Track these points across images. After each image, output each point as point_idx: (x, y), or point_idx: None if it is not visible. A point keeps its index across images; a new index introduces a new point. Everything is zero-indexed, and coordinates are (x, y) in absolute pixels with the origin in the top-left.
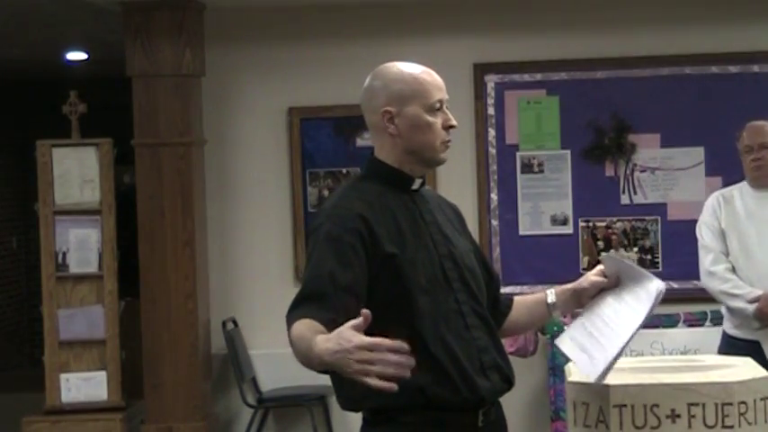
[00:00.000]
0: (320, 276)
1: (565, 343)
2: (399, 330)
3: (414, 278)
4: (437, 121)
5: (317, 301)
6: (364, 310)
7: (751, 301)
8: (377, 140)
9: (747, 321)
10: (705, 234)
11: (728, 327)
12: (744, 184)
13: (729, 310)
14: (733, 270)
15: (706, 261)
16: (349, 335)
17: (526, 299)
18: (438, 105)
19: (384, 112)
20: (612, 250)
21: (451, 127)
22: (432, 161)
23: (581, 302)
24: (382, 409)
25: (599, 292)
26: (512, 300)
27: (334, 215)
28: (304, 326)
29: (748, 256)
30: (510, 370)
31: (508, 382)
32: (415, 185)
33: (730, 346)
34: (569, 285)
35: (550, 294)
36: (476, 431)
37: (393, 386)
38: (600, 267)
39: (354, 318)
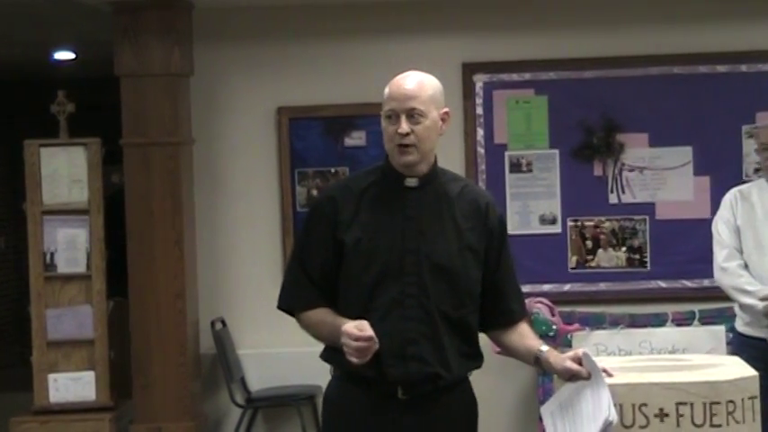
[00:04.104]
0: (298, 259)
1: (546, 416)
2: (336, 307)
3: (362, 265)
4: (389, 127)
5: (303, 286)
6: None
7: (762, 299)
8: None
9: (758, 318)
10: (721, 230)
11: (740, 324)
12: (762, 181)
13: (741, 306)
14: (746, 267)
15: (720, 257)
16: (350, 327)
17: (529, 335)
18: (390, 114)
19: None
20: (600, 250)
21: (401, 134)
22: (394, 162)
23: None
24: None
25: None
26: (518, 321)
27: (318, 197)
28: (320, 313)
29: (762, 253)
30: (443, 365)
31: (432, 376)
32: (410, 183)
33: (741, 344)
34: (558, 362)
35: (543, 349)
36: (397, 402)
37: (356, 362)
38: (579, 354)
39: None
